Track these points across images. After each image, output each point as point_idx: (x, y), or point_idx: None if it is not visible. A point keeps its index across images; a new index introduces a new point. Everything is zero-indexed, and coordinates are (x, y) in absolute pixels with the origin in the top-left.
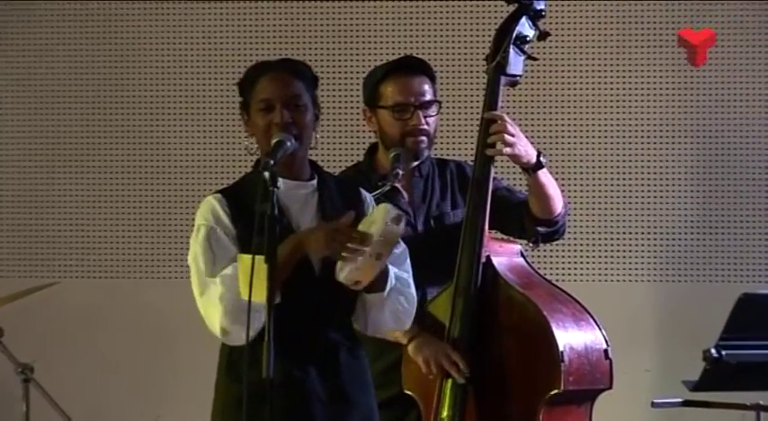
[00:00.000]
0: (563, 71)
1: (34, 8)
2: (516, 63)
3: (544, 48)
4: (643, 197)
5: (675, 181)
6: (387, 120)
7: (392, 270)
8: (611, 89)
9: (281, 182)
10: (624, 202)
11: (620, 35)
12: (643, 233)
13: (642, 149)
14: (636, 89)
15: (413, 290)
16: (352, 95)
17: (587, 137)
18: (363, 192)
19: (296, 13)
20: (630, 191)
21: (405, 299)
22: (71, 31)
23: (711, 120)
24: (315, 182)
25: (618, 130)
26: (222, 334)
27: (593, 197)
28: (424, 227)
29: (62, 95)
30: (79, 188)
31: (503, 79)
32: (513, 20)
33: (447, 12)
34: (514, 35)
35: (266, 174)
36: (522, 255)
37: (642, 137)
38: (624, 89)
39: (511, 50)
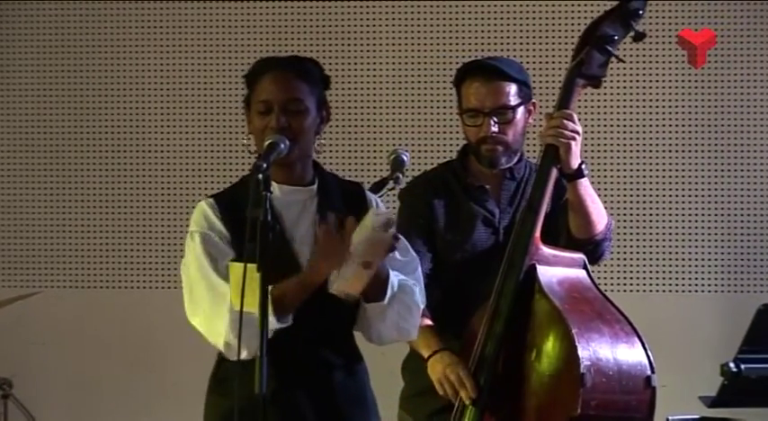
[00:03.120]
0: (563, 72)
1: (21, 8)
2: (597, 64)
3: (544, 48)
4: (644, 202)
5: (678, 182)
6: (464, 124)
7: (394, 277)
8: (612, 89)
9: (276, 187)
10: (630, 208)
11: None
12: (657, 242)
13: (647, 150)
14: (636, 90)
15: (417, 298)
16: (352, 97)
17: (589, 138)
18: (369, 194)
19: (292, 14)
20: (629, 194)
21: (408, 308)
22: (51, 32)
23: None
24: (314, 187)
25: (625, 132)
26: (225, 347)
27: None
28: (506, 231)
29: (43, 101)
30: (61, 192)
31: (580, 80)
32: (601, 19)
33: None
34: (598, 35)
35: (259, 177)
36: (585, 267)
37: (647, 137)
38: (625, 90)
39: (594, 51)
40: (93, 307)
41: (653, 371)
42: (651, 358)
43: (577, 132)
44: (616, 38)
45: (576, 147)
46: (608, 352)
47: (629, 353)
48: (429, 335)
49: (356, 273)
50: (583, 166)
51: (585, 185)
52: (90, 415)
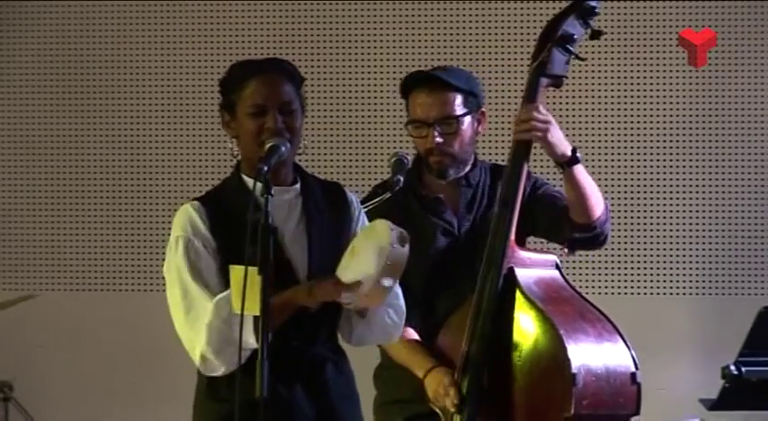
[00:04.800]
0: None
1: (21, 8)
2: (560, 63)
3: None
4: (631, 203)
5: (666, 184)
6: (411, 135)
7: None
8: (612, 89)
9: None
10: (618, 210)
11: (621, 35)
12: (645, 244)
13: (643, 151)
14: (637, 90)
15: (401, 301)
16: (352, 99)
17: (589, 138)
18: (349, 193)
19: (292, 15)
20: (617, 195)
21: (394, 311)
22: (51, 32)
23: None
24: (298, 186)
25: (623, 132)
26: (201, 361)
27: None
28: (466, 237)
29: (42, 104)
30: (61, 195)
31: (544, 80)
32: (559, 18)
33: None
34: (559, 34)
35: (258, 184)
36: (558, 268)
37: (644, 138)
38: (625, 90)
39: (555, 50)
40: (93, 310)
41: (637, 368)
42: (634, 355)
43: (548, 122)
44: (576, 37)
45: (552, 137)
46: (595, 351)
47: (613, 352)
48: (420, 351)
49: (377, 292)
50: (577, 153)
51: (581, 170)
52: (90, 417)
